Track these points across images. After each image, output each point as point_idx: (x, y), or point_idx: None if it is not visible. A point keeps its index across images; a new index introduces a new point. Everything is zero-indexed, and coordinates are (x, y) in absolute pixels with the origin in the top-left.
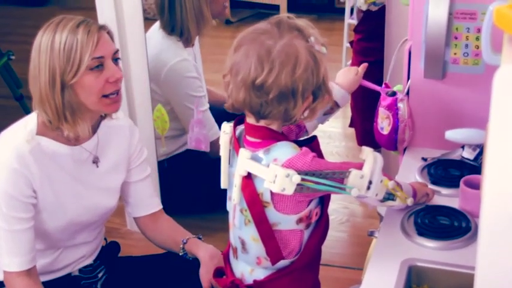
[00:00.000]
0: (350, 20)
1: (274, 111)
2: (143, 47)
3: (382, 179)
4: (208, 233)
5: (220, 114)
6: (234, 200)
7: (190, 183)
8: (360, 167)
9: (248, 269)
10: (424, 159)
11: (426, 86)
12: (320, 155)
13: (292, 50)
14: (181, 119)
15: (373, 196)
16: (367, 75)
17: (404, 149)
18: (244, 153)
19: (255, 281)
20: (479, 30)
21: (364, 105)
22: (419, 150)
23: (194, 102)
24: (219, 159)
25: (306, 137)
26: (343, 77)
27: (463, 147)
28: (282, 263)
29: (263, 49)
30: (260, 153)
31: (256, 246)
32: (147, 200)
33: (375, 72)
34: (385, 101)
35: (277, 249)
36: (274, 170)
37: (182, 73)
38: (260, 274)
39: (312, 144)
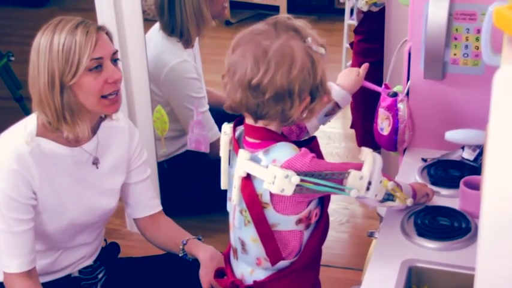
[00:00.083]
0: (350, 21)
1: (271, 111)
2: (143, 48)
3: (382, 179)
4: (208, 234)
5: (220, 115)
6: (234, 200)
7: (190, 184)
8: (359, 167)
9: (248, 270)
10: (424, 160)
11: (426, 86)
12: (320, 155)
13: (288, 50)
14: (181, 120)
15: (373, 197)
16: (367, 76)
17: (404, 150)
18: (243, 154)
19: (255, 281)
20: (479, 31)
21: (364, 106)
22: (419, 150)
23: (194, 103)
24: (219, 160)
25: (305, 138)
26: (345, 78)
27: (463, 147)
28: (282, 263)
29: (259, 49)
30: (259, 154)
31: (256, 247)
32: (147, 201)
33: (375, 73)
34: (385, 101)
35: (277, 249)
36: (273, 170)
37: (182, 74)
38: (260, 275)
39: (312, 144)
